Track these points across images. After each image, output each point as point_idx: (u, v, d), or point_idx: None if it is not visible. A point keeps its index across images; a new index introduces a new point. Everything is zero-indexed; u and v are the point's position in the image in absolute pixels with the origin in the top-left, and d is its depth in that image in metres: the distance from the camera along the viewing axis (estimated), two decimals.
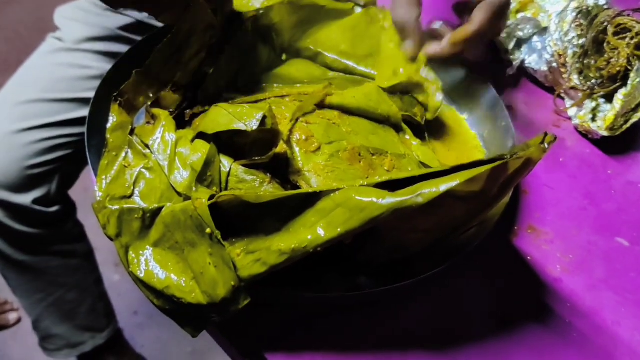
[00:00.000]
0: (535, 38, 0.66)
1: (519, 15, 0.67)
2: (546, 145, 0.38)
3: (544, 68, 0.64)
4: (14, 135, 0.79)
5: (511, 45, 0.66)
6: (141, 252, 0.43)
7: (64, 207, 0.87)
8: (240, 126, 0.45)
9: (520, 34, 0.66)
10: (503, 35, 0.66)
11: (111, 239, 0.43)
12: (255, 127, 0.44)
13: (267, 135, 0.45)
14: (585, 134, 0.61)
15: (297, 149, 0.46)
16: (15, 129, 0.79)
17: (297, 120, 0.48)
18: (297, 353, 0.43)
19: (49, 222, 0.85)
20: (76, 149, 0.83)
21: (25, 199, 0.80)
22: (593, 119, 0.60)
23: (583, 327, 0.46)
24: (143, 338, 1.20)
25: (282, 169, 0.46)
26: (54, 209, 0.84)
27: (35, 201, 0.81)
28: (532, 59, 0.66)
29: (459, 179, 0.36)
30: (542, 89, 0.66)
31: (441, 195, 0.36)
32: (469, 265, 0.48)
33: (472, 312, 0.46)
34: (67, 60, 0.82)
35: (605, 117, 0.59)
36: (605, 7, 0.64)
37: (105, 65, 0.84)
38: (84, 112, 0.82)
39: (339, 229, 0.37)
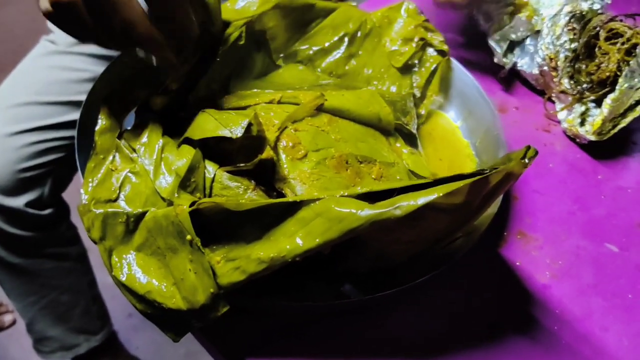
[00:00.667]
0: (528, 41, 0.66)
1: (513, 17, 0.66)
2: (527, 160, 0.38)
3: (536, 71, 0.64)
4: (7, 138, 0.79)
5: (504, 48, 0.66)
6: (124, 256, 0.43)
7: (57, 209, 0.87)
8: (226, 133, 0.45)
9: (513, 36, 0.66)
10: (496, 37, 0.66)
11: (95, 242, 0.43)
12: (240, 135, 0.44)
13: (253, 141, 0.45)
14: (574, 139, 0.60)
15: (283, 156, 0.46)
16: (8, 132, 0.79)
17: (285, 127, 0.48)
18: (282, 358, 0.43)
19: (42, 224, 0.85)
20: (69, 152, 0.83)
21: (17, 202, 0.80)
22: (581, 123, 0.59)
23: (571, 333, 0.45)
24: (137, 340, 1.20)
25: (267, 176, 0.46)
26: (47, 211, 0.84)
27: (28, 204, 0.81)
28: (524, 61, 0.65)
29: (437, 193, 0.35)
30: (534, 92, 0.66)
31: (422, 208, 0.36)
32: (458, 271, 0.48)
33: (461, 318, 0.46)
34: (60, 63, 0.82)
35: (593, 121, 0.58)
36: (599, 11, 0.63)
37: (98, 68, 0.83)
38: (76, 115, 0.81)
39: (317, 239, 0.37)
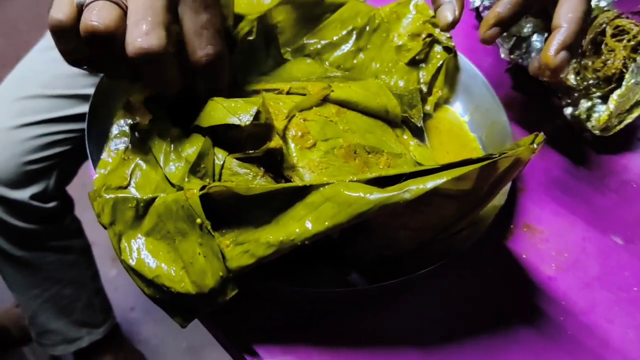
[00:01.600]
0: (534, 37, 0.66)
1: None
2: (535, 146, 0.38)
3: None
4: (12, 131, 0.79)
5: (511, 44, 0.66)
6: (133, 240, 0.43)
7: (62, 202, 0.87)
8: (234, 120, 0.45)
9: (519, 32, 0.66)
10: (503, 33, 0.66)
11: (105, 227, 0.44)
12: (248, 122, 0.44)
13: (261, 129, 0.45)
14: (579, 133, 0.61)
15: (292, 145, 0.47)
16: (14, 125, 0.79)
17: (293, 116, 0.48)
18: (291, 347, 0.43)
19: (46, 217, 0.85)
20: (75, 145, 0.84)
21: (22, 194, 0.80)
22: (587, 119, 0.60)
23: (576, 325, 0.46)
24: (139, 333, 1.21)
25: (276, 164, 0.46)
26: (52, 204, 0.84)
27: (33, 197, 0.81)
28: (531, 57, 0.66)
29: (447, 177, 0.36)
30: (540, 87, 0.66)
31: (430, 193, 0.36)
32: (464, 263, 0.48)
33: (467, 308, 0.46)
34: None
35: (599, 117, 0.59)
36: (606, 8, 0.64)
37: None
38: (83, 108, 0.82)
39: (326, 223, 0.37)
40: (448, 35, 0.61)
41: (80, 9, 0.39)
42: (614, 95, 0.57)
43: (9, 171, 0.79)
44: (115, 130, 0.49)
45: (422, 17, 0.61)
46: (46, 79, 0.83)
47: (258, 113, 0.44)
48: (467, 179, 0.36)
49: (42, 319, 0.96)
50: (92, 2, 0.38)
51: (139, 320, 1.23)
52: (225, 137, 0.47)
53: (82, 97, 0.83)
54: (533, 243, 0.51)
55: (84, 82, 0.83)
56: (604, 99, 0.60)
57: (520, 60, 0.66)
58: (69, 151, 0.84)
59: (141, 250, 0.42)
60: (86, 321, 1.01)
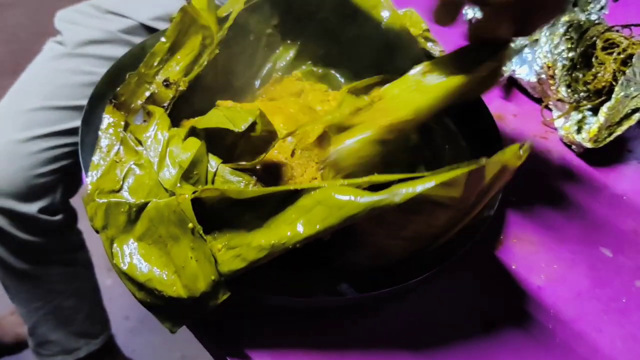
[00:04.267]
0: (526, 50, 0.67)
1: None
2: (521, 152, 0.39)
3: (533, 79, 0.65)
4: (20, 144, 0.79)
5: None
6: (125, 245, 0.43)
7: (67, 215, 0.87)
8: (229, 126, 0.46)
9: (511, 45, 0.67)
10: None
11: (97, 232, 0.44)
12: (243, 129, 0.45)
13: (258, 140, 0.46)
14: (570, 146, 0.61)
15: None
16: (21, 138, 0.79)
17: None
18: (283, 354, 0.43)
19: (52, 231, 0.85)
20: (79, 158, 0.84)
21: (31, 208, 0.80)
22: (578, 131, 0.60)
23: (565, 334, 0.46)
24: (134, 343, 1.20)
25: (272, 176, 0.47)
26: (58, 217, 0.84)
27: (41, 210, 0.81)
28: (522, 70, 0.67)
29: (436, 181, 0.36)
30: (531, 99, 0.67)
31: (421, 200, 0.37)
32: (453, 274, 0.48)
33: (456, 318, 0.46)
34: (69, 67, 0.83)
35: (589, 129, 0.59)
36: (597, 21, 0.65)
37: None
38: None
39: (317, 226, 0.38)
40: (441, 49, 0.61)
41: None
42: (604, 108, 0.58)
43: (17, 185, 0.79)
44: (104, 129, 0.50)
45: (415, 30, 0.62)
46: (50, 90, 0.83)
47: (254, 123, 0.45)
48: (456, 184, 0.37)
49: (43, 330, 0.96)
50: None
51: (133, 329, 1.23)
52: (222, 143, 0.47)
53: None
54: (522, 254, 0.51)
55: (88, 93, 0.84)
56: (595, 111, 0.61)
57: (512, 72, 0.67)
58: (74, 164, 0.84)
59: (133, 255, 0.43)
60: (85, 332, 1.01)
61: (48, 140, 0.81)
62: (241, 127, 0.45)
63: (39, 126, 0.81)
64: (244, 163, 0.45)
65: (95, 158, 0.48)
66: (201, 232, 0.40)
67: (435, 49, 0.62)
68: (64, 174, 0.83)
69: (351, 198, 0.37)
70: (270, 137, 0.46)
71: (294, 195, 0.40)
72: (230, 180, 0.45)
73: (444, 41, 0.62)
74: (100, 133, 0.49)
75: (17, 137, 0.80)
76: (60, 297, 0.94)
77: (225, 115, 0.47)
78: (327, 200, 0.38)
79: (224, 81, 0.57)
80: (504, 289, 0.49)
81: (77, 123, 0.81)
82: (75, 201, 0.91)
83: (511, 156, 0.38)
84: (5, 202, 0.79)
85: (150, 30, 0.83)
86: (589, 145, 0.59)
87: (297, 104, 0.55)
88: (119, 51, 0.85)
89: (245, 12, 0.57)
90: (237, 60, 0.58)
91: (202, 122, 0.47)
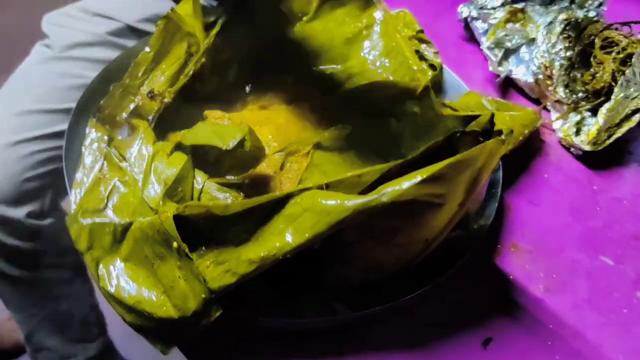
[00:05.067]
0: (523, 49, 0.65)
1: (508, 25, 0.66)
2: (503, 137, 0.38)
3: (531, 80, 0.63)
4: (10, 148, 0.78)
5: (499, 56, 0.66)
6: (112, 266, 0.42)
7: (57, 219, 0.86)
8: (217, 143, 0.45)
9: (508, 44, 0.65)
10: (491, 45, 0.66)
11: (82, 253, 0.43)
12: (231, 147, 0.44)
13: (247, 155, 0.45)
14: (569, 148, 0.60)
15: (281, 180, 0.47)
16: (10, 142, 0.78)
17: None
18: None
19: (42, 235, 0.84)
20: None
21: (19, 212, 0.79)
22: (577, 133, 0.59)
23: (565, 348, 0.45)
24: (132, 347, 1.19)
25: (259, 190, 0.46)
26: (47, 221, 0.83)
27: (30, 214, 0.80)
28: (519, 70, 0.65)
29: (421, 175, 0.35)
30: (529, 100, 0.65)
31: (409, 202, 0.35)
32: (450, 284, 0.47)
33: (453, 334, 0.45)
34: (58, 70, 0.82)
35: (588, 131, 0.58)
36: (595, 19, 0.63)
37: (95, 74, 0.83)
38: None
39: (306, 234, 0.37)
40: (435, 50, 0.60)
41: None
42: (603, 109, 0.56)
43: (7, 189, 0.78)
44: (88, 144, 0.48)
45: (409, 32, 0.60)
46: (39, 93, 0.82)
47: (243, 140, 0.44)
48: (442, 178, 0.36)
49: (39, 337, 0.95)
50: None
51: (131, 334, 1.22)
52: (208, 157, 0.46)
53: None
54: (520, 263, 0.50)
55: (77, 96, 0.82)
56: (594, 112, 0.59)
57: (509, 73, 0.65)
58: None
59: (120, 276, 0.42)
60: (82, 337, 1.00)
61: (37, 143, 0.80)
62: (229, 144, 0.44)
63: (28, 129, 0.80)
64: (231, 178, 0.44)
65: (79, 175, 0.47)
66: (187, 250, 0.39)
67: (430, 50, 0.60)
68: (54, 177, 0.82)
69: (338, 202, 0.36)
70: (258, 153, 0.45)
71: (280, 205, 0.38)
72: (217, 196, 0.44)
73: (438, 44, 0.61)
74: (83, 149, 0.48)
75: (6, 141, 0.79)
76: (55, 302, 0.93)
77: (213, 130, 0.46)
78: (314, 207, 0.37)
79: (212, 89, 0.55)
80: (501, 302, 0.47)
81: (66, 126, 0.81)
82: (66, 204, 0.90)
83: (494, 141, 0.37)
84: None
85: (138, 32, 0.82)
86: (588, 148, 0.57)
87: (287, 112, 0.54)
88: (107, 54, 0.84)
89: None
90: (226, 66, 0.56)
91: (189, 137, 0.46)
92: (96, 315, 1.04)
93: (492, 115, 0.42)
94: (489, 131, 0.42)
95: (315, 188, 0.38)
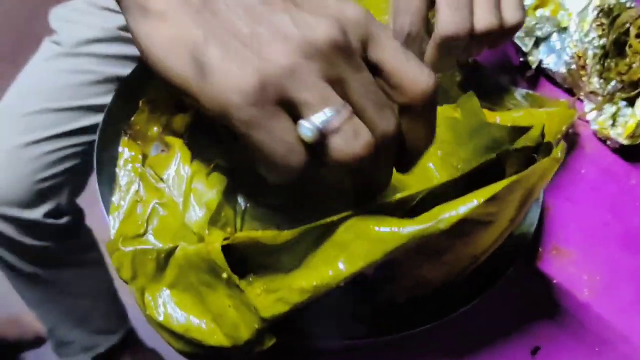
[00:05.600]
0: (554, 37, 0.63)
1: (538, 13, 0.64)
2: (559, 155, 0.37)
3: (563, 70, 0.62)
4: (21, 149, 0.77)
5: (529, 45, 0.64)
6: (158, 294, 0.42)
7: (74, 216, 0.86)
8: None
9: (538, 33, 0.63)
10: (521, 34, 0.64)
11: (126, 282, 0.42)
12: None
13: None
14: (605, 141, 0.59)
15: None
16: (22, 143, 0.77)
17: None
18: None
19: (60, 233, 0.84)
20: (84, 159, 0.82)
21: (36, 213, 0.78)
22: (613, 124, 0.57)
23: (613, 353, 0.45)
24: (156, 336, 1.21)
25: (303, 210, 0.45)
26: (64, 220, 0.83)
27: (47, 214, 0.80)
28: (550, 59, 0.63)
29: (477, 199, 0.34)
30: (562, 91, 0.64)
31: (462, 221, 0.34)
32: (492, 295, 0.47)
33: (501, 342, 0.45)
34: (67, 67, 0.80)
35: (625, 123, 0.56)
36: (628, 5, 0.61)
37: (106, 69, 0.81)
38: (90, 120, 0.80)
39: (360, 263, 0.36)
40: None
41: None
42: None
43: (20, 191, 0.77)
44: (122, 164, 0.47)
45: None
46: (50, 92, 0.80)
47: None
48: (497, 199, 0.35)
49: (61, 331, 0.97)
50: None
51: None
52: (248, 176, 0.45)
53: (88, 109, 0.80)
54: (563, 266, 0.49)
55: (89, 92, 0.81)
56: (630, 102, 0.58)
57: (540, 63, 0.64)
58: (78, 165, 0.82)
59: (167, 304, 0.41)
60: (103, 329, 1.01)
61: (50, 143, 0.79)
62: None
63: (40, 129, 0.79)
64: (274, 201, 0.43)
65: (115, 198, 0.46)
66: (237, 281, 0.38)
67: None
68: (70, 175, 0.82)
69: (393, 229, 0.35)
70: None
71: (329, 230, 0.37)
72: (260, 218, 0.43)
73: None
74: (117, 170, 0.47)
75: (18, 142, 0.78)
76: (74, 297, 0.94)
77: None
78: (366, 234, 0.36)
79: None
80: (547, 308, 0.47)
81: (79, 124, 0.80)
82: (81, 200, 0.90)
83: (548, 160, 0.36)
84: (9, 211, 0.78)
85: None
86: (625, 141, 0.56)
87: None
88: (118, 49, 0.82)
89: None
90: None
91: (226, 156, 0.45)
92: (117, 307, 1.05)
93: (543, 128, 0.41)
94: (540, 144, 0.40)
95: (363, 213, 0.37)
